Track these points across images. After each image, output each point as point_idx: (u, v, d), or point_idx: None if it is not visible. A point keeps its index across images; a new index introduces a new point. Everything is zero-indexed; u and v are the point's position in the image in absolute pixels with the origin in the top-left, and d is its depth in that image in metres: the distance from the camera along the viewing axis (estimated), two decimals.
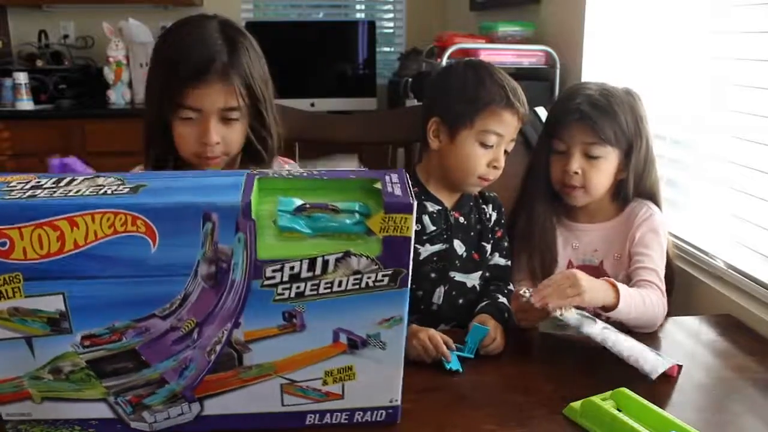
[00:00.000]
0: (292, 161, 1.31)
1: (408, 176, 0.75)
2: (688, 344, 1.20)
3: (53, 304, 0.69)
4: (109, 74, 3.21)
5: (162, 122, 1.09)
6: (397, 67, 3.33)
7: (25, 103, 3.02)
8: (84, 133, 3.01)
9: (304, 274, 0.69)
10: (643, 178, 1.33)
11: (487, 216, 1.32)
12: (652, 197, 1.35)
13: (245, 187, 0.69)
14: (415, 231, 1.22)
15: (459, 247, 1.26)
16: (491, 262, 1.31)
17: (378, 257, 0.68)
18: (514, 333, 1.16)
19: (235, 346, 0.72)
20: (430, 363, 1.05)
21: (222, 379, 0.74)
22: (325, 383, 0.75)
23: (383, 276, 0.69)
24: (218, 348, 0.72)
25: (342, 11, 3.75)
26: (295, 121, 1.64)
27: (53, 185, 0.68)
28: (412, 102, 2.62)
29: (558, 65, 2.16)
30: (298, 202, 0.70)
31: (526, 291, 1.10)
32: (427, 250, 1.24)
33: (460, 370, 1.04)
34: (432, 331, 1.08)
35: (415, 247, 1.22)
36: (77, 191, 0.67)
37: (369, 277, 0.69)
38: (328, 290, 0.70)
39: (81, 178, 0.70)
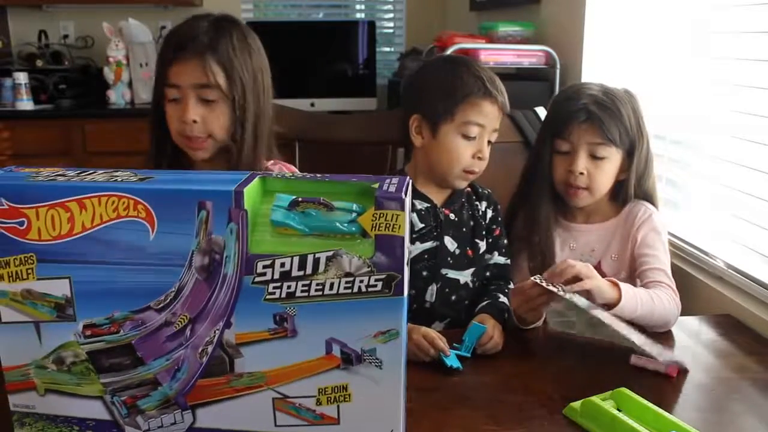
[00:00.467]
0: (294, 168, 1.30)
1: (411, 181, 0.75)
2: (688, 344, 1.20)
3: (60, 288, 0.71)
4: (109, 74, 3.21)
5: (159, 113, 1.14)
6: (397, 67, 3.33)
7: (25, 103, 3.02)
8: (84, 133, 3.01)
9: (295, 272, 0.69)
10: (643, 179, 1.33)
11: (481, 213, 1.32)
12: (649, 198, 1.35)
13: (244, 180, 0.70)
14: None
15: (450, 243, 1.26)
16: (491, 261, 1.31)
17: (370, 259, 0.68)
18: (513, 333, 1.16)
19: (226, 349, 0.73)
20: (430, 362, 1.05)
21: (214, 385, 0.75)
22: (319, 402, 0.74)
23: (376, 280, 0.69)
24: (210, 349, 0.73)
25: (342, 11, 3.75)
26: (295, 121, 1.65)
27: (75, 175, 0.72)
28: None
29: (558, 65, 2.16)
30: (293, 197, 0.70)
31: (539, 277, 1.10)
32: (417, 247, 1.24)
33: (460, 367, 1.04)
34: (425, 329, 1.08)
35: None
36: (92, 180, 0.71)
37: (361, 281, 0.69)
38: (320, 293, 0.70)
39: (101, 171, 0.74)
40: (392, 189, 0.70)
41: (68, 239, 0.70)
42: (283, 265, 0.69)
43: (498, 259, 1.32)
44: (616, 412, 0.87)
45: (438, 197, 1.28)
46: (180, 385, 0.75)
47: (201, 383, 0.75)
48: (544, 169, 1.32)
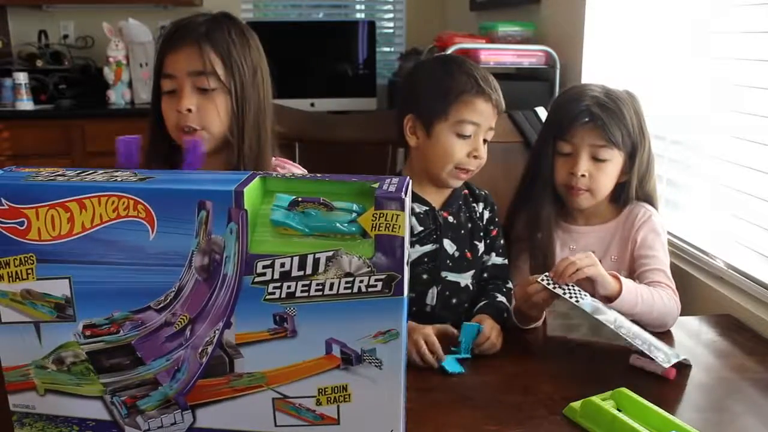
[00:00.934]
0: (299, 166, 1.28)
1: (410, 182, 0.75)
2: (688, 344, 1.20)
3: (60, 288, 0.71)
4: (109, 74, 3.21)
5: (157, 111, 1.13)
6: (397, 67, 3.33)
7: (25, 103, 3.02)
8: (84, 133, 3.01)
9: (295, 272, 0.69)
10: (645, 181, 1.33)
11: (479, 214, 1.31)
12: (650, 199, 1.35)
13: (244, 180, 0.70)
14: None
15: (449, 246, 1.26)
16: (489, 262, 1.31)
17: (370, 259, 0.68)
18: (513, 333, 1.16)
19: (226, 349, 0.73)
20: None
21: (214, 385, 0.74)
22: (319, 402, 0.74)
23: (376, 281, 0.69)
24: (210, 349, 0.73)
25: (342, 11, 3.75)
26: (295, 121, 1.65)
27: (75, 175, 0.72)
28: None
29: (558, 65, 2.16)
30: (293, 197, 0.70)
31: (545, 277, 1.11)
32: (417, 251, 1.23)
33: (462, 371, 1.04)
34: (428, 330, 1.08)
35: None
36: (92, 180, 0.71)
37: (361, 281, 0.69)
38: (320, 293, 0.69)
39: (101, 171, 0.74)
40: (392, 189, 0.70)
41: (68, 239, 0.70)
42: (283, 265, 0.69)
43: (495, 259, 1.31)
44: (616, 412, 0.87)
45: (436, 200, 1.27)
46: (180, 385, 0.75)
47: (201, 383, 0.75)
48: (546, 171, 1.31)
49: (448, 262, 1.26)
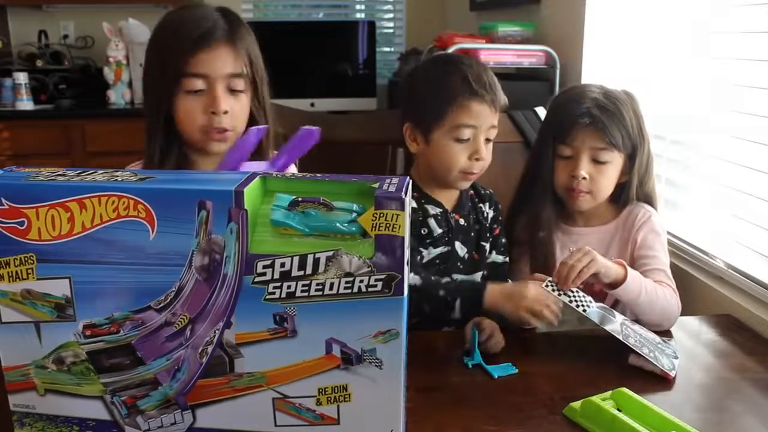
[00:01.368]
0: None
1: (411, 181, 0.75)
2: (688, 344, 1.20)
3: (60, 288, 0.72)
4: (109, 74, 3.21)
5: (164, 110, 1.07)
6: (397, 67, 3.33)
7: (25, 103, 3.02)
8: (84, 133, 3.01)
9: (295, 272, 0.69)
10: (644, 181, 1.33)
11: (485, 215, 1.31)
12: (649, 200, 1.35)
13: (244, 180, 0.70)
14: (423, 234, 1.23)
15: (460, 249, 1.26)
16: (489, 260, 1.31)
17: (370, 259, 0.68)
18: (514, 333, 1.15)
19: (226, 349, 0.73)
20: (430, 362, 1.05)
21: (214, 385, 0.75)
22: (319, 402, 0.74)
23: (376, 280, 0.69)
24: (210, 349, 0.73)
25: (342, 11, 3.75)
26: (294, 121, 1.64)
27: (75, 175, 0.72)
28: None
29: (558, 65, 2.16)
30: (293, 197, 0.70)
31: (549, 283, 1.11)
32: (430, 253, 1.23)
33: (515, 371, 1.05)
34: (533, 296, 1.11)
35: (419, 250, 1.22)
36: (92, 179, 0.71)
37: (362, 281, 0.69)
38: (320, 293, 0.70)
39: (101, 171, 0.74)
40: (392, 189, 0.69)
41: (68, 239, 0.70)
42: (283, 265, 0.69)
43: (496, 258, 1.31)
44: (616, 412, 0.87)
45: (448, 202, 1.27)
46: (180, 385, 0.75)
47: (201, 383, 0.75)
48: (546, 173, 1.31)
49: (459, 264, 1.26)
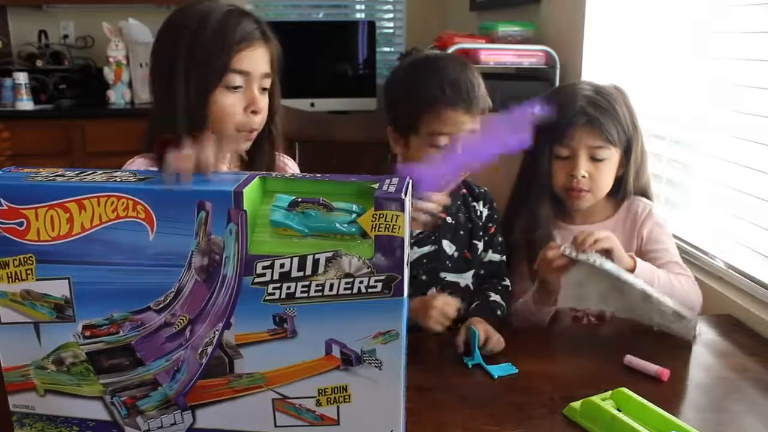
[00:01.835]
0: (291, 160, 1.30)
1: (410, 182, 0.75)
2: (688, 344, 1.20)
3: (60, 289, 0.71)
4: (109, 74, 3.21)
5: (199, 104, 1.05)
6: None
7: (25, 103, 3.03)
8: (84, 133, 3.01)
9: (295, 273, 0.69)
10: (640, 173, 1.33)
11: (478, 214, 1.31)
12: (645, 192, 1.35)
13: (244, 181, 0.70)
14: None
15: (449, 247, 1.26)
16: (485, 259, 1.30)
17: (370, 260, 0.68)
18: (514, 333, 1.15)
19: (226, 350, 0.73)
20: (430, 362, 1.05)
21: (214, 386, 0.75)
22: (318, 403, 0.74)
23: (376, 281, 0.69)
24: (210, 350, 0.73)
25: (342, 11, 3.75)
26: (295, 121, 1.65)
27: (75, 175, 0.73)
28: None
29: (558, 65, 2.16)
30: (293, 197, 0.70)
31: (567, 247, 1.12)
32: (415, 252, 1.23)
33: (515, 371, 1.05)
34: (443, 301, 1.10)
35: None
36: (92, 180, 0.71)
37: (361, 282, 0.69)
38: (319, 294, 0.69)
39: (101, 171, 0.74)
40: (392, 189, 0.69)
41: (67, 240, 0.70)
42: (282, 265, 0.69)
43: (492, 256, 1.31)
44: (616, 412, 0.87)
45: None
46: (180, 385, 0.75)
47: (201, 384, 0.75)
48: (543, 174, 1.30)
49: (447, 262, 1.25)
